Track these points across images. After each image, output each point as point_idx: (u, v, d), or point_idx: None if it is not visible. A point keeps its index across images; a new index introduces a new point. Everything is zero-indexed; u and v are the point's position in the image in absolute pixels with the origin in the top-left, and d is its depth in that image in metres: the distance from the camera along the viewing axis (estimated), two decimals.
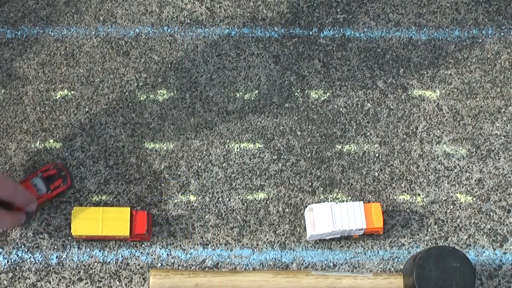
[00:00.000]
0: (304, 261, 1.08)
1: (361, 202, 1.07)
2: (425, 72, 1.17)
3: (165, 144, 1.12)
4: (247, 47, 1.18)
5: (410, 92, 1.16)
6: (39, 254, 1.07)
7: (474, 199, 1.11)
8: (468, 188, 1.12)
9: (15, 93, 1.14)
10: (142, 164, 1.12)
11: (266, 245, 1.09)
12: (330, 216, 1.06)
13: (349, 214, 1.06)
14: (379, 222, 1.06)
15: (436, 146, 1.14)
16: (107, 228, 1.05)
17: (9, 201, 1.00)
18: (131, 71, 1.16)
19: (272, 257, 1.08)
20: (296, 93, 1.16)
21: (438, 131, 1.14)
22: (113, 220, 1.05)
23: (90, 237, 1.06)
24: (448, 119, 1.15)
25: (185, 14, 1.20)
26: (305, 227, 1.09)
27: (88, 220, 1.05)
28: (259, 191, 1.11)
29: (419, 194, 1.11)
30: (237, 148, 1.13)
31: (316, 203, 1.10)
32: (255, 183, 1.11)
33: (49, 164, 1.09)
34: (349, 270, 1.08)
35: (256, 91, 1.16)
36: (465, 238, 1.10)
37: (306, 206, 1.09)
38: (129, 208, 1.05)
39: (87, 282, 1.06)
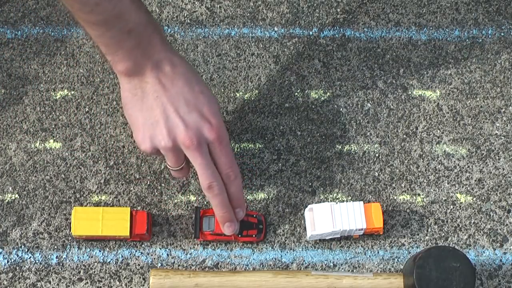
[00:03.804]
0: (304, 261, 1.08)
1: (361, 202, 1.07)
2: (425, 72, 1.17)
3: None
4: (247, 47, 1.18)
5: (410, 92, 1.16)
6: (39, 254, 1.07)
7: (474, 199, 1.11)
8: (468, 188, 1.12)
9: (15, 93, 1.14)
10: (142, 164, 1.12)
11: (266, 245, 1.09)
12: (330, 216, 1.06)
13: (349, 214, 1.06)
14: (379, 222, 1.06)
15: (436, 146, 1.14)
16: (107, 228, 1.05)
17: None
18: None
19: (272, 257, 1.08)
20: (296, 93, 1.16)
21: (438, 131, 1.14)
22: (113, 220, 1.05)
23: (90, 237, 1.06)
24: (448, 119, 1.15)
25: (185, 14, 1.20)
26: (305, 227, 1.09)
27: (88, 220, 1.05)
28: (259, 191, 1.11)
29: (419, 194, 1.11)
30: (237, 148, 1.13)
31: (316, 203, 1.10)
32: (255, 183, 1.11)
33: (255, 212, 1.09)
34: (349, 270, 1.08)
35: (256, 91, 1.16)
36: (465, 238, 1.10)
37: (306, 206, 1.09)
38: (129, 208, 1.05)
39: (87, 282, 1.06)
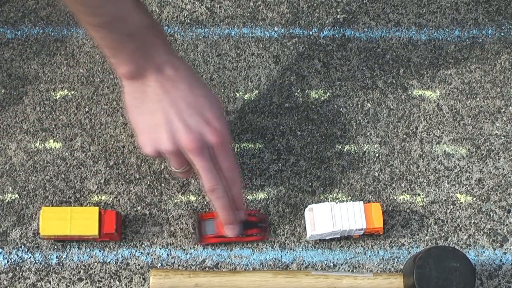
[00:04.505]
0: (304, 261, 1.08)
1: (361, 202, 1.07)
2: (425, 72, 1.17)
3: None
4: (247, 47, 1.18)
5: (410, 92, 1.16)
6: (39, 254, 1.07)
7: (474, 199, 1.11)
8: (468, 188, 1.12)
9: (15, 93, 1.14)
10: (142, 164, 1.12)
11: (266, 245, 1.09)
12: (330, 216, 1.06)
13: (349, 214, 1.06)
14: (379, 222, 1.06)
15: (436, 146, 1.14)
16: (75, 228, 1.04)
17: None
18: None
19: (272, 257, 1.08)
20: (296, 93, 1.16)
21: (438, 131, 1.14)
22: (82, 220, 1.04)
23: (59, 237, 1.05)
24: (448, 119, 1.15)
25: (185, 14, 1.19)
26: (305, 227, 1.09)
27: (56, 220, 1.04)
28: (259, 191, 1.11)
29: (419, 194, 1.11)
30: (237, 148, 1.13)
31: (316, 203, 1.10)
32: (255, 183, 1.11)
33: (255, 211, 1.09)
34: (349, 270, 1.08)
35: (256, 91, 1.16)
36: (465, 238, 1.10)
37: (306, 206, 1.09)
38: (97, 208, 1.05)
39: (87, 282, 1.06)
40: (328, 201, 1.11)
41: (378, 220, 1.06)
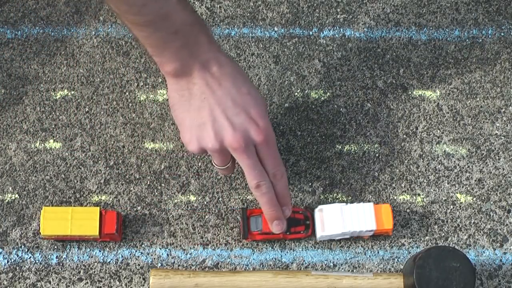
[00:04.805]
0: (304, 261, 1.08)
1: (371, 204, 1.06)
2: (425, 72, 1.17)
3: (165, 144, 1.12)
4: (247, 47, 1.18)
5: (410, 92, 1.16)
6: (39, 254, 1.07)
7: (474, 199, 1.11)
8: (468, 188, 1.12)
9: (15, 93, 1.14)
10: (142, 164, 1.12)
11: (266, 245, 1.09)
12: (340, 217, 1.05)
13: (359, 216, 1.05)
14: (389, 223, 1.06)
15: (436, 146, 1.14)
16: (76, 228, 1.04)
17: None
18: (131, 71, 1.16)
19: (272, 257, 1.08)
20: (296, 93, 1.16)
21: (438, 131, 1.14)
22: (83, 220, 1.04)
23: (60, 237, 1.05)
24: (448, 119, 1.15)
25: None
26: None
27: (57, 220, 1.04)
28: None
29: (419, 194, 1.11)
30: None
31: (316, 203, 1.10)
32: None
33: (301, 208, 1.08)
34: (349, 270, 1.08)
35: None
36: (465, 238, 1.10)
37: (306, 206, 1.09)
38: (98, 208, 1.05)
39: (87, 282, 1.06)
40: (328, 201, 1.11)
41: (387, 221, 1.06)
